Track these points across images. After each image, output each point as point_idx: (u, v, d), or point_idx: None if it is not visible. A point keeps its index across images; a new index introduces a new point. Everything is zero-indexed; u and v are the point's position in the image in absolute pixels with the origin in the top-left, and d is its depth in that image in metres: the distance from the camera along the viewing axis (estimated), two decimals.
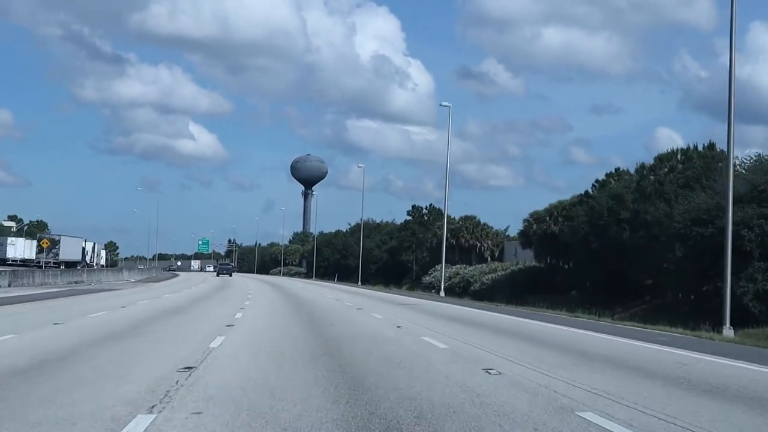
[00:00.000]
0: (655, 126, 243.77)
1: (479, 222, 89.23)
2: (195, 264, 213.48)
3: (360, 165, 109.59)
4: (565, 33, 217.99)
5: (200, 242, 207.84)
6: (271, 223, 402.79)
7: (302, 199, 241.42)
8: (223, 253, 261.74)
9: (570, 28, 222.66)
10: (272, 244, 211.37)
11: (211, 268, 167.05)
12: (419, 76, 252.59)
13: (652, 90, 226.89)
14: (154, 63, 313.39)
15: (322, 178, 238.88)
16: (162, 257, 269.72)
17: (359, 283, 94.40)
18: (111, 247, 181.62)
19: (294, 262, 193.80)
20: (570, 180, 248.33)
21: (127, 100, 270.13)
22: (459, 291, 76.73)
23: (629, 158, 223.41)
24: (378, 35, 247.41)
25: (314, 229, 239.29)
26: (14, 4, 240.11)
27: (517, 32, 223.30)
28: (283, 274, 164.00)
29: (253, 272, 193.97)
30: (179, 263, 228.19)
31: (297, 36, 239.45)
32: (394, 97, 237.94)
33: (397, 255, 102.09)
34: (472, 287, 72.22)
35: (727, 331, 27.08)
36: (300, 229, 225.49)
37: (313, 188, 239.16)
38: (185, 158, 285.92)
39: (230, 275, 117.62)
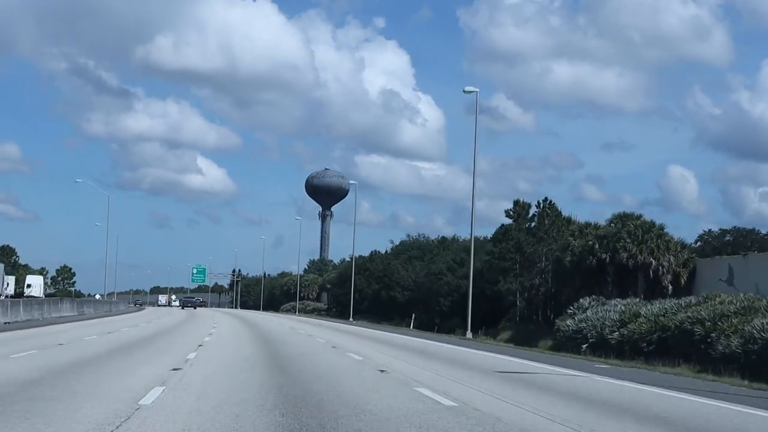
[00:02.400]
0: (668, 164, 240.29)
1: (652, 224, 50.51)
2: (162, 298, 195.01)
3: (470, 90, 62.02)
4: (576, 68, 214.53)
5: (195, 271, 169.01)
6: (280, 257, 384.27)
7: (319, 222, 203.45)
8: (226, 286, 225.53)
9: (581, 63, 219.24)
10: (283, 274, 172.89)
11: (177, 303, 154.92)
12: (429, 111, 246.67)
13: (665, 127, 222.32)
14: (161, 97, 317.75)
15: (343, 197, 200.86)
16: (158, 290, 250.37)
17: (468, 334, 51.60)
18: (65, 274, 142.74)
19: (311, 296, 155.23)
20: (581, 217, 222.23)
21: (135, 134, 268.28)
22: (648, 349, 39.06)
23: (641, 196, 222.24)
24: (387, 70, 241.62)
25: (333, 255, 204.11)
26: (19, 38, 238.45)
27: (527, 67, 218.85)
28: (299, 311, 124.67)
29: (259, 309, 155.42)
30: (175, 297, 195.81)
31: (305, 70, 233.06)
32: (403, 133, 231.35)
33: (486, 283, 63.50)
34: (719, 347, 33.61)
35: None
36: (316, 257, 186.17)
37: (332, 208, 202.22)
38: (194, 193, 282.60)
39: (194, 308, 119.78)
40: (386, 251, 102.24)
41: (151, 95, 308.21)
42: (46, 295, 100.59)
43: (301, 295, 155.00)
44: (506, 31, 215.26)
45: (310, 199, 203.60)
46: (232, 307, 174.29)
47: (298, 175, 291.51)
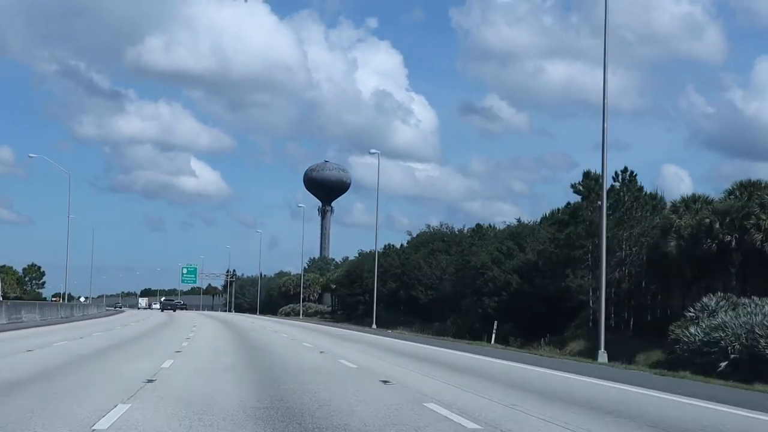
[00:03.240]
0: (662, 163, 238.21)
1: None
2: (142, 301, 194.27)
3: None
4: (569, 67, 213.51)
5: (185, 271, 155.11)
6: (276, 260, 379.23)
7: (318, 218, 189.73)
8: (220, 287, 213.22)
9: (574, 63, 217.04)
10: (281, 274, 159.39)
11: (158, 305, 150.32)
12: (422, 112, 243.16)
13: (659, 126, 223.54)
14: (153, 99, 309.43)
15: (345, 191, 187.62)
16: (148, 293, 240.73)
17: (602, 356, 31.71)
18: (33, 273, 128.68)
19: (312, 297, 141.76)
20: None
21: (127, 136, 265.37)
22: None
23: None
24: (380, 70, 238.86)
25: (333, 254, 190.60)
26: (10, 39, 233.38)
27: (520, 67, 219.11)
28: (304, 315, 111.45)
29: (256, 311, 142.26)
30: (165, 299, 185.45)
31: (298, 71, 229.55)
32: (396, 134, 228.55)
33: (544, 278, 50.27)
34: None
35: None
36: (315, 256, 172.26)
37: (333, 203, 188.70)
38: (188, 195, 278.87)
39: (174, 310, 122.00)
40: (402, 245, 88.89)
41: (143, 97, 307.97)
42: (13, 298, 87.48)
43: (303, 296, 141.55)
44: (499, 30, 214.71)
45: (309, 194, 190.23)
46: (226, 310, 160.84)
47: (293, 176, 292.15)
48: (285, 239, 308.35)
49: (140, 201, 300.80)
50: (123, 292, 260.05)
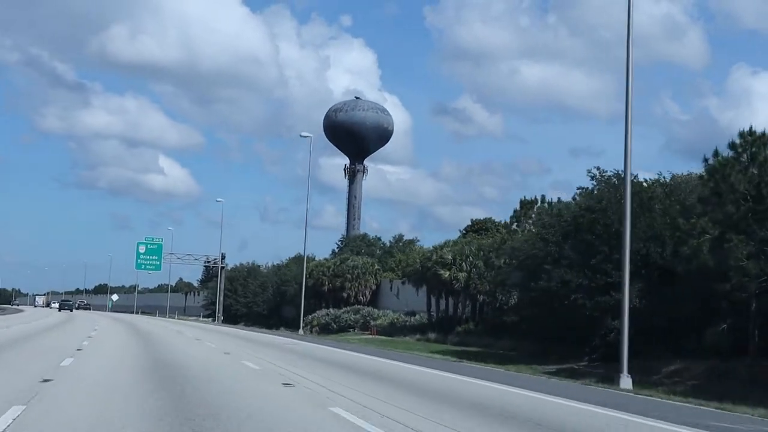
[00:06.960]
0: (636, 170, 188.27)
1: None
2: (39, 299, 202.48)
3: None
4: (545, 69, 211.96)
5: (142, 249, 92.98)
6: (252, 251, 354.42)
7: (346, 181, 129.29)
8: (196, 282, 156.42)
9: (550, 64, 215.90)
10: (298, 259, 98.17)
11: (56, 304, 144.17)
12: (394, 113, 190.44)
13: (634, 132, 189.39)
14: (119, 92, 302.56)
15: (386, 141, 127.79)
16: (103, 290, 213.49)
17: None
18: None
19: (362, 297, 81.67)
20: None
21: (93, 131, 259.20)
22: None
23: None
24: (352, 69, 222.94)
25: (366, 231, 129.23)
26: None
27: (495, 68, 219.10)
28: (358, 329, 47.31)
29: (279, 325, 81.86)
30: (63, 300, 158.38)
31: (268, 67, 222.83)
32: None
33: None
34: None
35: None
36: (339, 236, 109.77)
37: (366, 161, 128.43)
38: (155, 193, 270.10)
39: (71, 310, 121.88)
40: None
41: (108, 90, 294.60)
42: None
43: (344, 294, 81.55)
44: (473, 30, 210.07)
45: (332, 147, 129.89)
46: (214, 319, 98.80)
47: (261, 176, 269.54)
48: (257, 241, 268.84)
49: (106, 198, 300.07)
50: (76, 289, 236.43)
